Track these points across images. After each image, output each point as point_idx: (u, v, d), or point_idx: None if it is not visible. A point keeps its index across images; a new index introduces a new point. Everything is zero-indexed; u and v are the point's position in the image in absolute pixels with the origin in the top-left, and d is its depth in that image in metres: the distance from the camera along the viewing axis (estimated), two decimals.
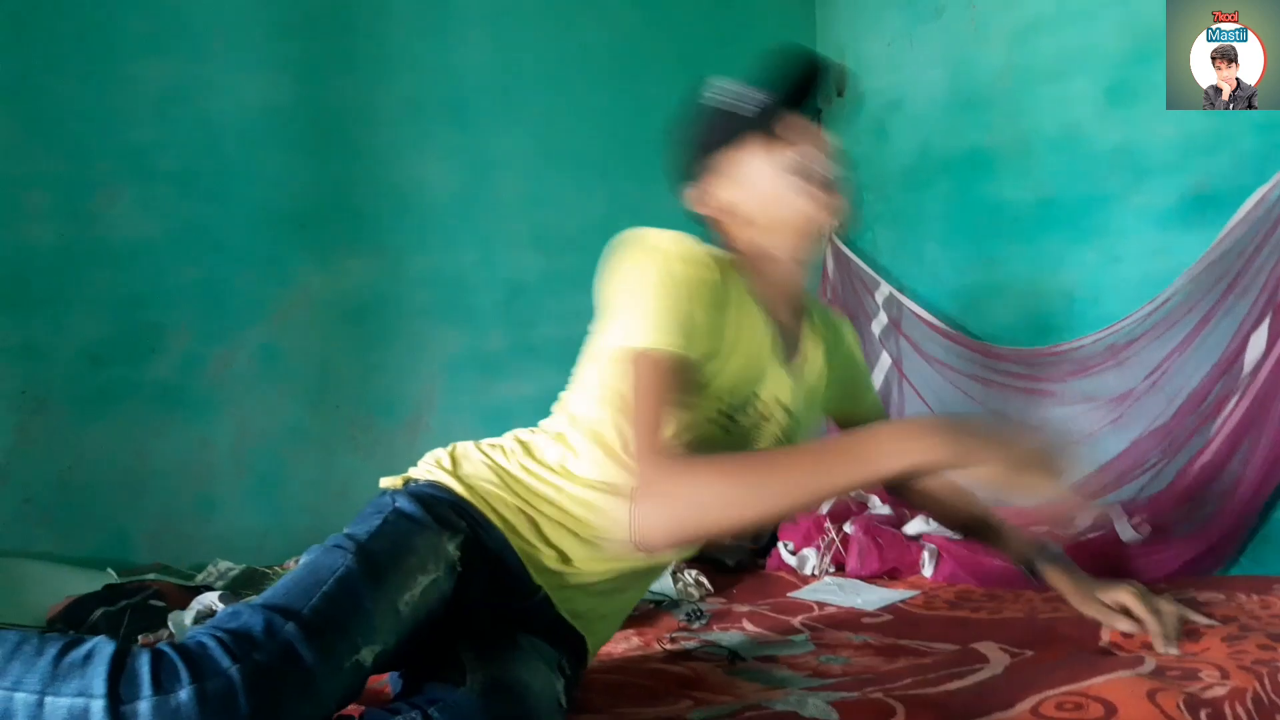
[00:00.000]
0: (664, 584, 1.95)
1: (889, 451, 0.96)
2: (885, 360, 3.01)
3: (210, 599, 1.62)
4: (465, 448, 1.31)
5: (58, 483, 2.07)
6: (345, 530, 1.16)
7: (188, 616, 1.60)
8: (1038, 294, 2.71)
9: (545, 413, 2.78)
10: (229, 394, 2.27)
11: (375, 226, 2.51)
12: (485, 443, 1.33)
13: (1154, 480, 2.22)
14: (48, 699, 0.84)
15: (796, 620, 1.75)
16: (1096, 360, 2.44)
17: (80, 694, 0.84)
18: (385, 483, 1.29)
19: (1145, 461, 2.23)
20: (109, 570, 1.96)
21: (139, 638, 1.58)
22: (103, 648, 0.88)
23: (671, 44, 3.04)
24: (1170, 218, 2.40)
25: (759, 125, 1.23)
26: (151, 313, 2.19)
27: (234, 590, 1.80)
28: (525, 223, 2.74)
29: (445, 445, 1.32)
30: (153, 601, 1.69)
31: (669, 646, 1.59)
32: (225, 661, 0.89)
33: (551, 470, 1.24)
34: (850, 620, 1.72)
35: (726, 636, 1.66)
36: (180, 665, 0.87)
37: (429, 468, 1.28)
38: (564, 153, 2.82)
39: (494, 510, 1.22)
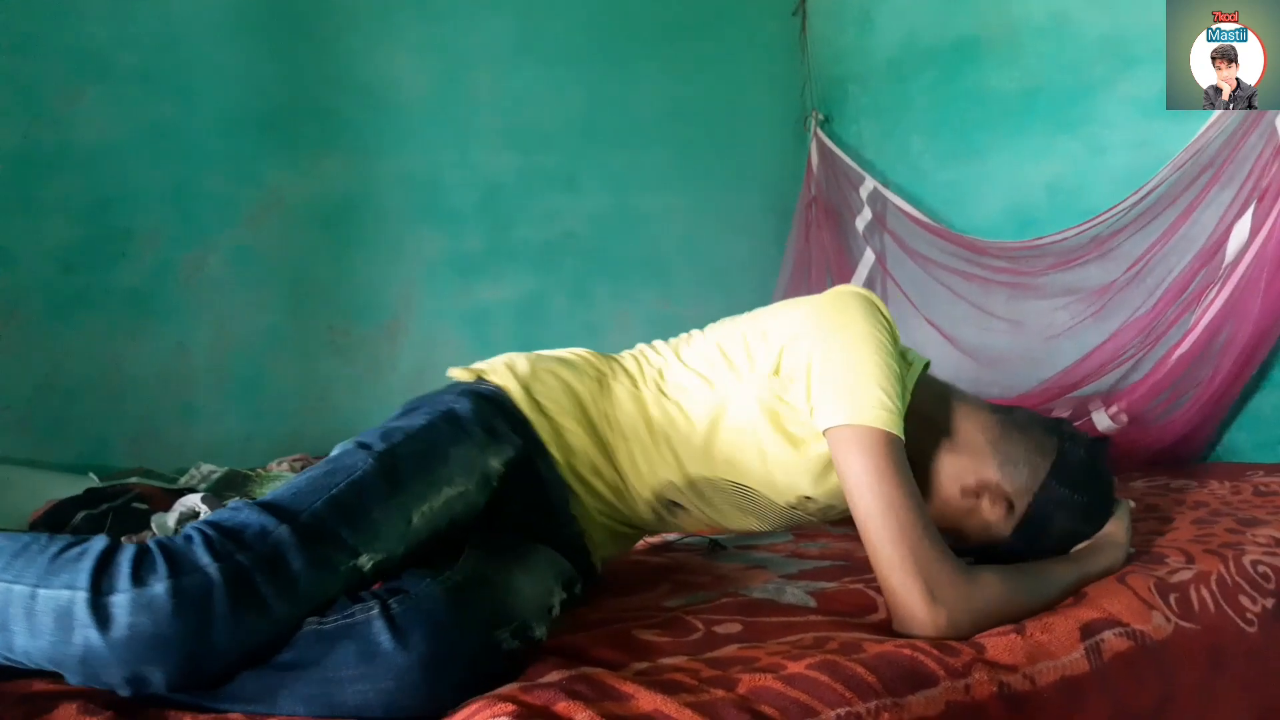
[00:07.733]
0: None
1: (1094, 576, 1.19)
2: (869, 257, 2.99)
3: (193, 501, 1.62)
4: (542, 362, 1.29)
5: (35, 389, 2.05)
6: (392, 419, 1.15)
7: (170, 518, 1.60)
8: (1022, 186, 2.68)
9: (525, 316, 2.78)
10: (204, 298, 2.24)
11: (347, 126, 2.45)
12: (561, 359, 1.31)
13: (1133, 370, 2.23)
14: (40, 591, 0.88)
15: None
16: (1079, 252, 2.43)
17: (66, 587, 0.88)
18: (454, 372, 1.27)
19: (1125, 352, 2.24)
20: (90, 475, 1.96)
21: (122, 539, 1.58)
22: (95, 545, 0.91)
23: None
24: (1156, 106, 2.34)
25: None
26: (121, 217, 2.14)
27: (216, 492, 1.81)
28: (501, 120, 2.67)
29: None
30: (135, 504, 1.69)
31: (651, 540, 1.61)
32: (205, 559, 0.91)
33: (620, 418, 1.26)
34: None
35: None
36: (160, 560, 0.90)
37: (503, 370, 1.26)
38: (540, 46, 2.73)
39: (556, 434, 1.22)
